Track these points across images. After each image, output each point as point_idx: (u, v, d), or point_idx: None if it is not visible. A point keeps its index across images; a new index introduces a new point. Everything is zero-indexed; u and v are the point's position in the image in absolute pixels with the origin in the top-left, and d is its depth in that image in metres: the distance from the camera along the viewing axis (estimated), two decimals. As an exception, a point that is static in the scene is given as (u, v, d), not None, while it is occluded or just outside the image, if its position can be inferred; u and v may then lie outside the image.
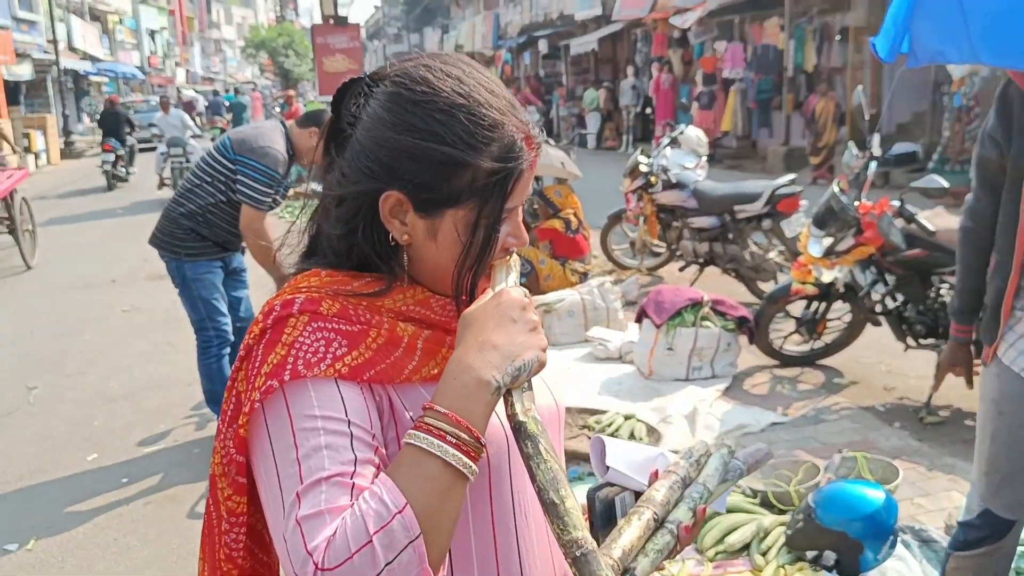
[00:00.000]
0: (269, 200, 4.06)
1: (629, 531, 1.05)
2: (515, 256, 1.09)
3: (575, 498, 0.92)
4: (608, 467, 1.18)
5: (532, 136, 1.03)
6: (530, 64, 30.03)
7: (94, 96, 35.88)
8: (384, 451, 0.95)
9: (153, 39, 47.71)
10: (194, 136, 15.11)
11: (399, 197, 1.00)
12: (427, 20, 50.16)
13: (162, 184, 14.81)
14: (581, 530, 0.90)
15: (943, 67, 11.82)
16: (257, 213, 4.01)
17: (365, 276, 1.04)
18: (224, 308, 4.40)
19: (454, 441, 0.89)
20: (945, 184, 4.26)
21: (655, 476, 1.15)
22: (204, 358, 4.43)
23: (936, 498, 3.66)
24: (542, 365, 0.97)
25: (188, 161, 13.88)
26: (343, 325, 0.98)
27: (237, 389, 0.99)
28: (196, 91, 40.87)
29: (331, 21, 18.73)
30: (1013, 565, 2.88)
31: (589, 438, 4.19)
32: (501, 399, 0.95)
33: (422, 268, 1.06)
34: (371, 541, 0.82)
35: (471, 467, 0.90)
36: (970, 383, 2.62)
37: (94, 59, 33.82)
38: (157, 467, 4.36)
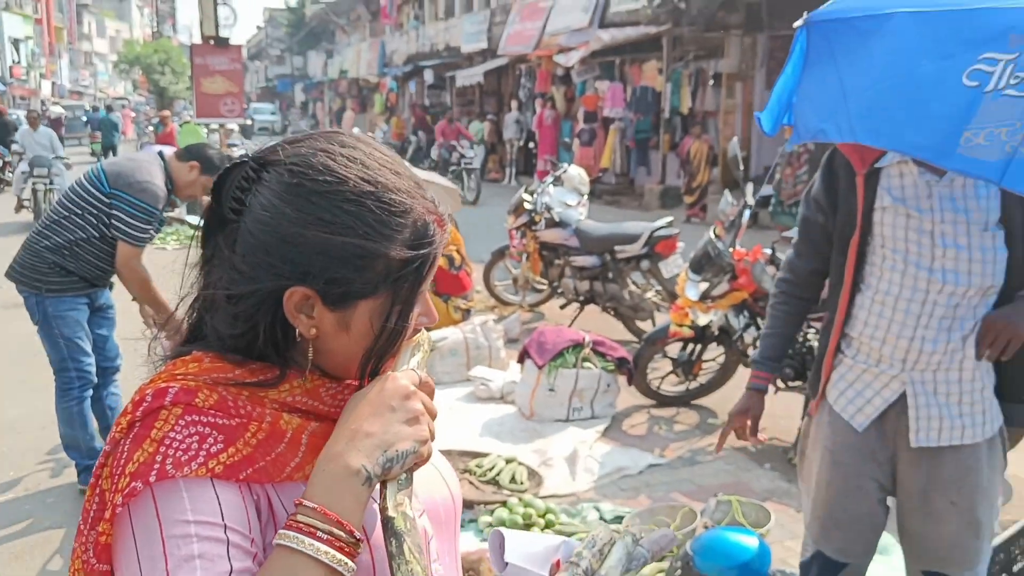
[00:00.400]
0: (148, 237, 3.88)
1: None
2: (424, 334, 1.04)
3: None
4: (507, 563, 1.14)
5: (441, 216, 0.99)
6: (416, 93, 30.05)
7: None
8: (263, 557, 0.88)
9: (17, 48, 45.28)
10: (59, 159, 14.11)
11: (305, 292, 0.93)
12: (311, 44, 49.63)
13: (20, 206, 13.86)
14: None
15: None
16: (134, 250, 3.83)
17: (250, 363, 0.96)
18: (88, 348, 4.13)
19: (326, 537, 0.84)
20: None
21: (556, 567, 1.13)
22: (63, 401, 4.15)
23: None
24: (421, 458, 0.93)
25: (52, 184, 13.04)
26: (219, 419, 0.90)
27: (101, 487, 0.90)
28: (63, 106, 38.67)
29: (211, 42, 18.23)
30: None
31: (472, 483, 4.17)
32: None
33: (327, 358, 0.99)
34: None
35: (347, 564, 0.85)
36: (754, 433, 2.65)
37: (-51, 68, 31.81)
38: (4, 520, 4.04)
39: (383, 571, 0.95)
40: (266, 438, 0.92)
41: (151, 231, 3.90)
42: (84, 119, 24.35)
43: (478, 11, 24.56)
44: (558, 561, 1.13)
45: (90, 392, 4.19)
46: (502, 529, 1.15)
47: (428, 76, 26.86)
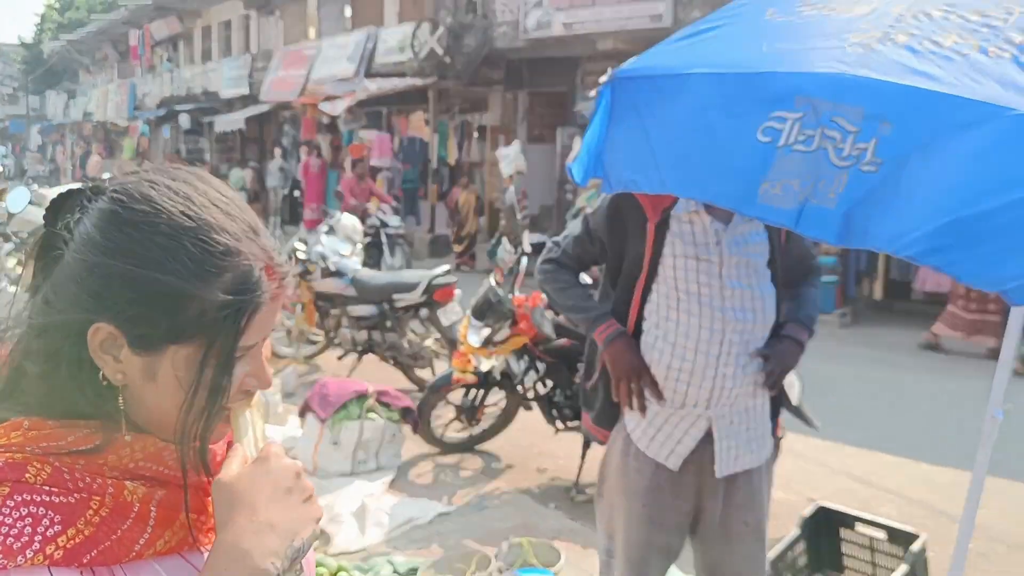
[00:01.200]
0: None
1: None
2: (259, 398, 0.96)
3: None
4: None
5: (275, 264, 0.90)
6: (170, 138, 28.58)
7: None
8: None
9: None
10: None
11: (111, 330, 0.83)
12: (51, 83, 45.95)
13: None
14: None
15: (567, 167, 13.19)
16: None
17: (79, 426, 0.86)
18: None
19: None
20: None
21: None
22: None
23: (594, 575, 3.90)
24: (316, 538, 0.88)
25: None
26: (55, 496, 0.81)
27: None
28: None
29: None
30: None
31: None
32: None
33: (143, 413, 0.88)
34: None
35: None
36: (653, 387, 2.38)
37: None
38: None
39: None
40: (110, 514, 0.83)
41: None
42: None
43: (238, 56, 23.89)
44: None
45: None
46: None
47: (184, 120, 25.65)
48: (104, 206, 0.86)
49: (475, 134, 15.80)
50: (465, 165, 15.83)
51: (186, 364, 0.86)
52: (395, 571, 3.78)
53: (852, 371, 7.59)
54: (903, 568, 3.02)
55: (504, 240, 5.55)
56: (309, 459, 4.96)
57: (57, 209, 0.89)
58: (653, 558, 2.48)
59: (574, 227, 2.59)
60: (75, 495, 0.82)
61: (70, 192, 0.89)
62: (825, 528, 3.46)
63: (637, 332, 2.43)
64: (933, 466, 5.26)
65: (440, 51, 14.82)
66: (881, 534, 3.32)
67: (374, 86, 16.04)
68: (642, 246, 2.37)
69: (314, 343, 7.68)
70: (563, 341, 4.93)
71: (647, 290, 2.40)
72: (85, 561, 0.80)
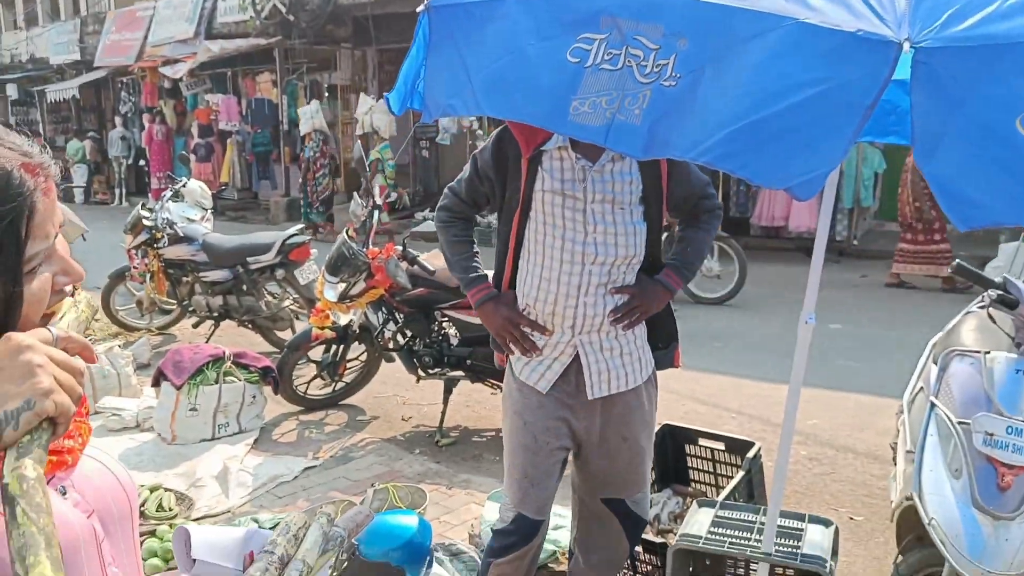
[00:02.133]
0: None
1: None
2: (81, 295, 0.96)
3: (48, 565, 0.77)
4: (195, 560, 1.10)
5: (31, 159, 0.90)
6: (-3, 110, 26.62)
7: None
8: None
9: None
10: None
11: None
12: None
13: None
14: None
15: (422, 124, 13.16)
16: None
17: None
18: None
19: None
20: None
21: (250, 559, 1.11)
22: None
23: (458, 513, 4.02)
24: (45, 411, 0.82)
25: None
26: None
27: None
28: None
29: None
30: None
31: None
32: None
33: None
34: None
35: None
36: (536, 328, 2.53)
37: None
38: None
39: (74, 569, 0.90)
40: None
41: None
42: None
43: (66, 20, 22.41)
44: (251, 552, 1.13)
45: None
46: (188, 525, 1.13)
47: (11, 91, 23.94)
48: None
49: (325, 94, 15.43)
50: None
51: None
52: (260, 528, 3.78)
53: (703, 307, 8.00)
54: (740, 474, 3.26)
55: (355, 194, 5.53)
56: (166, 428, 4.86)
57: None
58: (538, 481, 2.59)
59: (465, 169, 2.67)
60: None
61: None
62: (671, 445, 3.68)
63: (516, 262, 2.56)
64: (772, 384, 5.63)
65: (283, 9, 14.34)
66: (720, 445, 3.57)
67: (216, 47, 15.43)
68: (519, 180, 2.48)
69: (167, 312, 7.44)
70: (420, 291, 4.98)
71: (522, 224, 2.51)
72: None
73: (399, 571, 3.16)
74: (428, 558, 3.26)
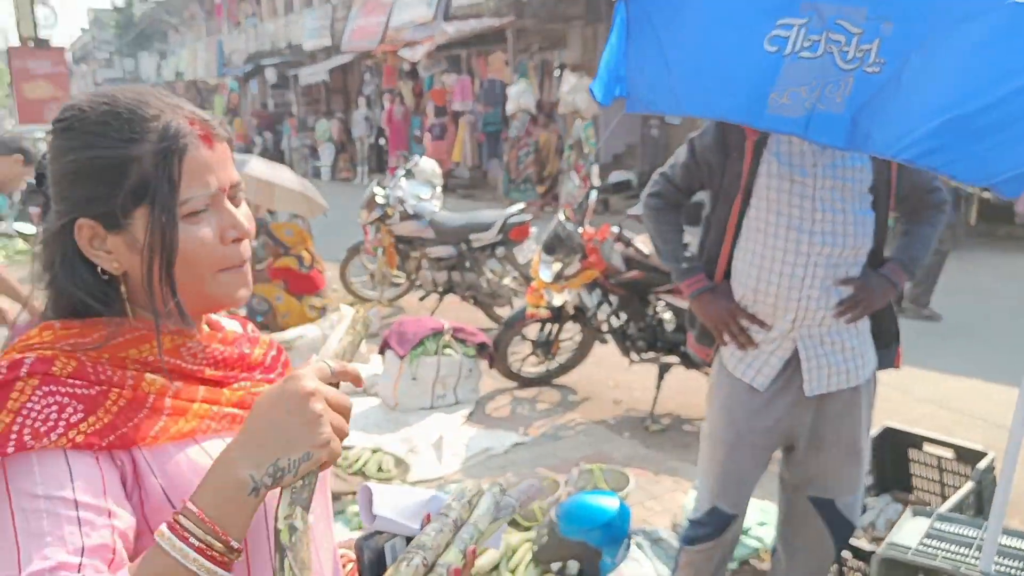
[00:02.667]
0: None
1: None
2: (360, 313, 1.05)
3: None
4: (376, 516, 1.16)
5: (197, 117, 1.00)
6: (258, 93, 29.20)
7: None
8: (123, 523, 0.88)
9: None
10: None
11: (89, 224, 0.97)
12: (143, 45, 47.25)
13: None
14: None
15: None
16: None
17: (100, 325, 0.97)
18: None
19: (197, 544, 0.83)
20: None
21: (427, 520, 1.14)
22: None
23: (663, 500, 3.97)
24: (321, 462, 0.89)
25: None
26: (79, 388, 0.91)
27: None
28: None
29: (30, 44, 17.15)
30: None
31: (338, 475, 4.15)
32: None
33: (142, 294, 0.99)
34: None
35: (213, 570, 0.84)
36: (755, 322, 2.43)
37: None
38: None
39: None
40: (127, 405, 0.93)
41: None
42: None
43: (319, 6, 24.09)
44: (428, 515, 1.17)
45: None
46: (371, 484, 1.19)
47: (270, 75, 26.14)
48: (52, 130, 1.00)
49: (556, 72, 15.59)
50: (546, 105, 15.69)
51: (144, 224, 0.96)
52: (437, 494, 3.92)
53: (948, 300, 7.36)
54: (969, 485, 2.98)
55: (573, 174, 5.56)
56: (389, 394, 5.14)
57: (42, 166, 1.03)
58: (738, 476, 2.53)
59: (680, 153, 2.59)
60: (97, 387, 0.92)
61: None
62: (893, 449, 3.43)
63: (732, 251, 2.46)
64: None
65: (516, -10, 14.66)
66: (948, 453, 3.28)
67: (452, 29, 16.00)
68: (741, 164, 2.37)
69: (397, 286, 7.87)
70: (634, 273, 4.94)
71: (743, 211, 2.41)
72: (104, 444, 0.90)
73: (596, 551, 3.18)
74: (626, 541, 3.25)
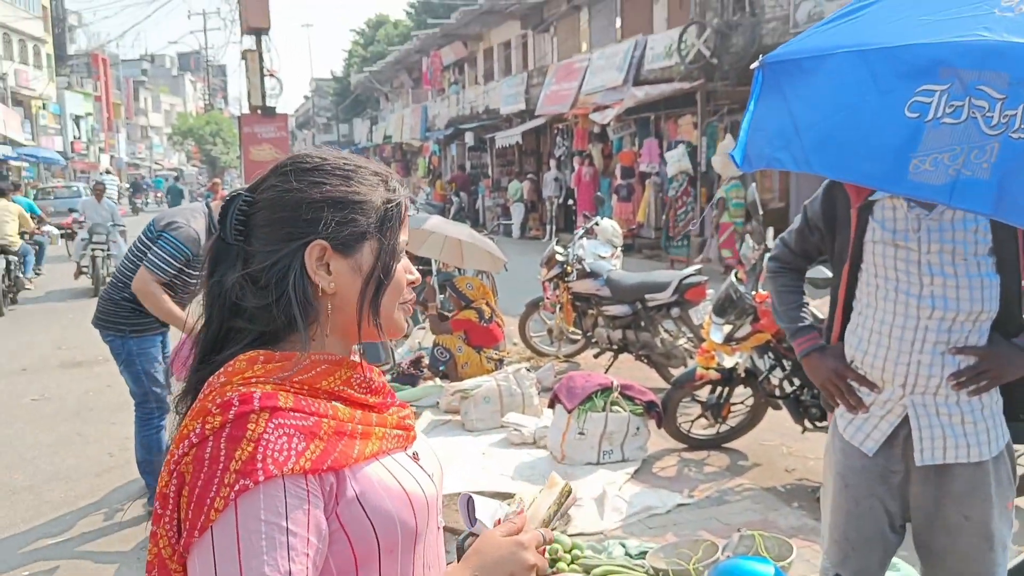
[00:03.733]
0: (171, 271, 4.24)
1: None
2: (569, 486, 1.31)
3: None
4: (476, 520, 1.32)
5: (390, 177, 1.25)
6: (456, 155, 30.71)
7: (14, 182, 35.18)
8: (316, 550, 1.04)
9: (78, 125, 47.26)
10: (116, 226, 14.60)
11: (322, 244, 1.14)
12: (356, 111, 50.98)
13: (79, 273, 14.41)
14: None
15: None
16: (149, 275, 4.20)
17: (296, 356, 1.12)
18: (164, 380, 4.59)
19: None
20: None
21: (499, 524, 1.33)
22: (145, 429, 4.61)
23: (829, 574, 3.81)
24: None
25: (109, 250, 13.62)
26: (299, 420, 1.06)
27: (180, 471, 1.04)
28: (107, 172, 38.53)
29: (259, 111, 18.96)
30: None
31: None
32: None
33: (345, 315, 1.17)
34: None
35: None
36: (864, 384, 2.40)
37: (15, 144, 33.34)
38: (60, 560, 4.26)
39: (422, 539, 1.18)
40: (335, 432, 1.09)
41: (174, 266, 4.24)
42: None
43: (516, 74, 25.17)
44: (499, 520, 1.34)
45: (167, 420, 4.61)
46: (471, 493, 1.36)
47: (469, 138, 27.47)
48: (281, 172, 1.19)
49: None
50: (735, 167, 15.54)
51: (374, 252, 1.18)
52: (626, 553, 3.94)
53: None
54: None
55: (747, 237, 5.53)
56: (557, 447, 5.25)
57: (225, 214, 1.19)
58: (860, 545, 2.45)
59: (796, 219, 2.65)
60: (312, 418, 1.08)
61: (233, 198, 1.20)
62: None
63: (846, 317, 2.46)
64: None
65: (707, 53, 14.73)
66: None
67: (641, 93, 16.24)
68: (848, 231, 2.40)
69: (574, 342, 8.02)
70: (808, 338, 4.82)
71: (853, 276, 2.41)
72: (324, 468, 1.05)
73: (749, 619, 3.10)
74: (783, 613, 3.16)
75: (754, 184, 5.72)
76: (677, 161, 15.38)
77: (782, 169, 2.08)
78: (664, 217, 15.57)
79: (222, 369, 1.12)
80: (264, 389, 1.06)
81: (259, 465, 0.99)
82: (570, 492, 1.20)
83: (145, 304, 4.29)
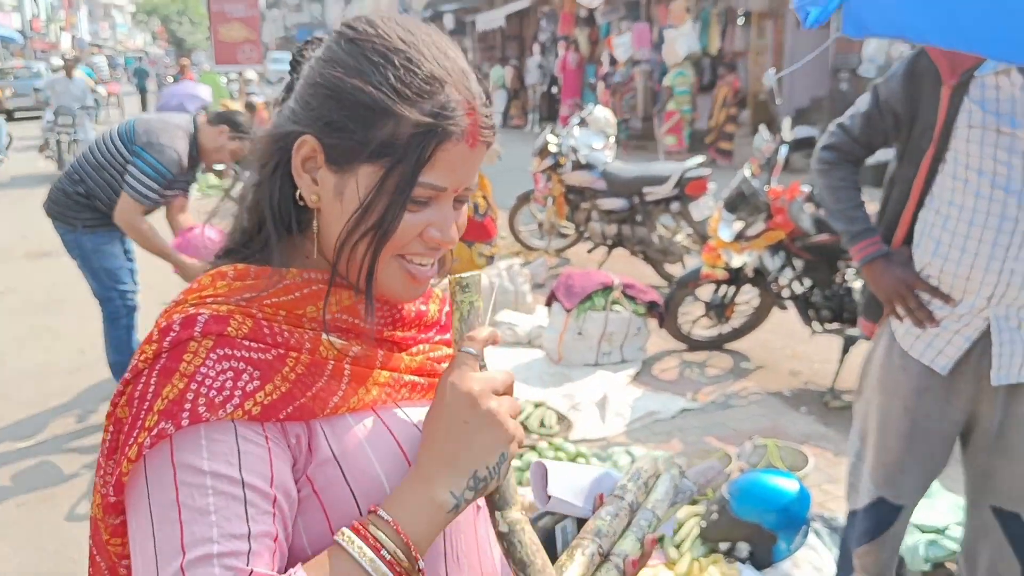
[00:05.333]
0: (153, 196, 3.91)
1: (572, 568, 0.94)
2: (452, 280, 0.93)
3: None
4: (550, 496, 1.05)
5: (477, 107, 0.87)
6: (436, 39, 29.62)
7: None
8: (285, 511, 0.81)
9: (36, 1, 45.05)
10: (85, 108, 13.85)
11: (313, 145, 0.86)
12: (329, -10, 48.92)
13: (43, 149, 13.78)
14: None
15: (843, 54, 12.12)
16: (134, 204, 3.87)
17: (280, 275, 0.88)
18: (127, 278, 4.33)
19: (388, 558, 0.78)
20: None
21: (600, 501, 1.05)
22: (113, 329, 4.37)
23: (843, 484, 3.65)
24: (513, 457, 0.87)
25: (76, 133, 12.97)
26: (255, 352, 0.82)
27: (117, 416, 0.83)
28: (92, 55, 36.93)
29: (228, -12, 17.97)
30: (922, 552, 2.93)
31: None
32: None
33: (325, 239, 0.90)
34: None
35: None
36: (938, 296, 2.13)
37: (-31, 20, 31.73)
38: (31, 464, 4.02)
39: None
40: (305, 371, 0.84)
41: (156, 192, 3.91)
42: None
43: (500, -48, 24.04)
44: (601, 495, 1.04)
45: (136, 319, 4.38)
46: (545, 461, 1.05)
47: (448, 21, 26.40)
48: (336, 32, 0.90)
49: (739, 20, 14.83)
50: (727, 54, 14.99)
51: (367, 184, 0.85)
52: (632, 462, 3.76)
53: None
54: None
55: (762, 128, 5.19)
56: (554, 348, 5.03)
57: (299, 55, 0.94)
58: (910, 467, 2.25)
59: (861, 102, 2.30)
60: (273, 351, 0.83)
61: (313, 39, 0.93)
62: None
63: (917, 213, 2.16)
64: None
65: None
66: None
67: (632, -26, 15.51)
68: (934, 115, 2.06)
69: (565, 236, 7.73)
70: (824, 237, 4.56)
71: (933, 168, 2.09)
72: (281, 416, 0.81)
73: (770, 535, 2.95)
74: (804, 528, 3.01)
75: (772, 69, 5.33)
76: (628, 48, 15.70)
77: (882, 36, 1.72)
78: (657, 108, 14.77)
79: (189, 285, 0.90)
80: (215, 310, 0.83)
81: (187, 407, 0.77)
82: (464, 284, 0.90)
83: (131, 237, 4.00)
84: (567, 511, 1.05)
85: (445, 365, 0.94)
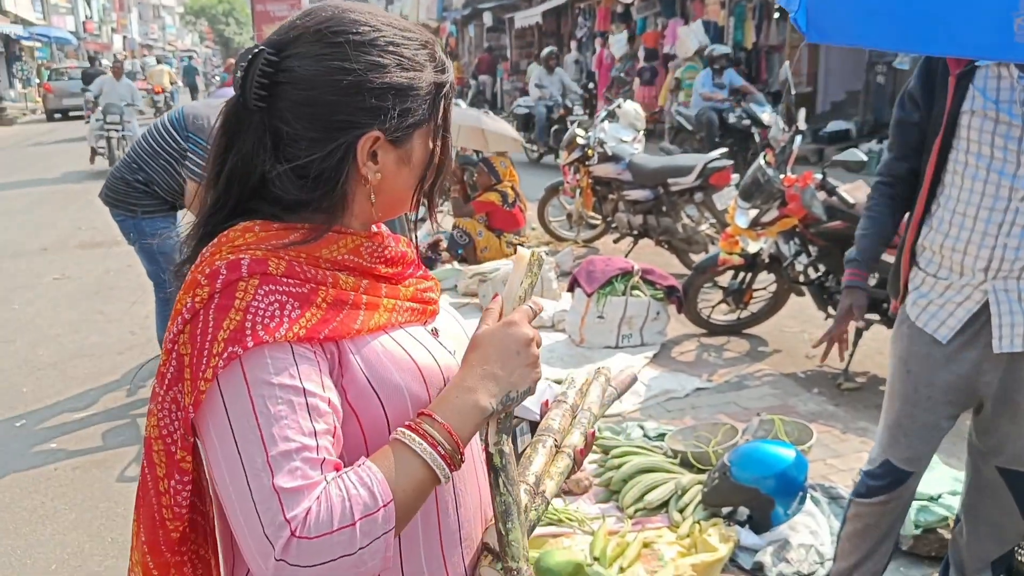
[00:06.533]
0: None
1: (537, 459, 1.18)
2: (536, 254, 1.15)
3: (521, 530, 1.04)
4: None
5: (435, 45, 1.12)
6: (474, 36, 29.81)
7: (26, 61, 34.71)
8: (338, 411, 0.99)
9: (89, 3, 46.20)
10: (131, 106, 14.29)
11: (376, 136, 1.04)
12: (371, -10, 49.35)
13: (94, 155, 14.22)
14: (519, 560, 1.03)
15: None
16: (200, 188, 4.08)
17: (297, 228, 1.04)
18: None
19: (443, 452, 0.98)
20: (864, 158, 4.40)
21: (546, 406, 1.29)
22: (166, 309, 4.58)
23: (847, 459, 3.82)
24: (531, 394, 1.08)
25: (124, 130, 13.44)
26: (293, 287, 0.99)
27: (179, 352, 0.98)
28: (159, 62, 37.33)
29: (271, -11, 18.39)
30: (912, 516, 3.08)
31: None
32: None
33: (382, 201, 1.09)
34: (354, 525, 0.90)
35: (448, 475, 0.99)
36: (861, 319, 2.59)
37: (26, 23, 32.69)
38: (86, 433, 4.33)
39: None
40: (334, 301, 1.01)
41: None
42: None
43: (537, -50, 24.17)
44: (547, 401, 1.29)
45: None
46: None
47: (487, 19, 26.60)
48: (327, 40, 1.02)
49: (775, 15, 14.84)
50: (763, 48, 15.02)
51: (426, 140, 1.09)
52: (645, 435, 3.96)
53: None
54: None
55: (777, 118, 5.33)
56: (576, 331, 5.23)
57: (246, 76, 1.02)
58: (912, 430, 2.41)
59: (894, 114, 2.45)
60: (308, 284, 1.00)
61: (253, 56, 1.02)
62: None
63: (931, 198, 2.32)
64: None
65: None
66: None
67: (668, -30, 15.58)
68: (944, 101, 2.23)
69: (593, 227, 7.92)
70: (836, 224, 4.70)
71: (943, 153, 2.26)
72: (320, 338, 0.98)
73: (768, 499, 3.12)
74: (801, 494, 3.18)
75: (787, 63, 5.47)
76: (624, 45, 16.42)
77: (866, 47, 1.89)
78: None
79: (215, 239, 1.05)
80: (254, 254, 0.99)
81: (248, 333, 0.93)
82: (541, 261, 1.12)
83: None
84: (520, 415, 1.28)
85: (431, 295, 1.17)
